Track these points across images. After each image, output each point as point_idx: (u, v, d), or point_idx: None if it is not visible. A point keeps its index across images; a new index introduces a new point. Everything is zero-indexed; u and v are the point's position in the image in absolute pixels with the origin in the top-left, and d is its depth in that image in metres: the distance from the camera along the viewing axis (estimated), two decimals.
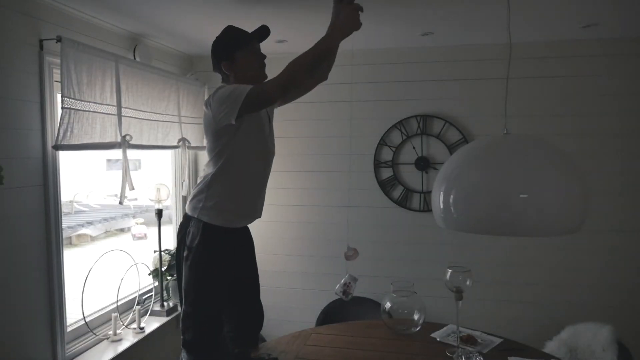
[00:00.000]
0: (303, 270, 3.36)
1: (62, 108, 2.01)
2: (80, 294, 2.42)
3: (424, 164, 3.15)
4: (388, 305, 2.12)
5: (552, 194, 1.36)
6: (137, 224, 8.44)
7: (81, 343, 2.37)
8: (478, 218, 1.41)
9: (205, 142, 1.96)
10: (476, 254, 3.06)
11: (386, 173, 3.22)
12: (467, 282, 1.76)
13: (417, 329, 2.09)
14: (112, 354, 2.37)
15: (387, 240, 3.22)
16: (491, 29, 2.67)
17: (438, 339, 2.03)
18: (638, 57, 2.88)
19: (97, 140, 2.20)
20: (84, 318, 2.40)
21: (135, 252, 3.08)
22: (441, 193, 1.49)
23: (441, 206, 1.49)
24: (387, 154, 3.21)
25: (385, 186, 3.22)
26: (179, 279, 1.99)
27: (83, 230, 8.31)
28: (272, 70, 1.96)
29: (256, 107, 1.77)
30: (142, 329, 2.64)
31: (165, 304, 2.93)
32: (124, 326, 2.61)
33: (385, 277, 3.07)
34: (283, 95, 1.73)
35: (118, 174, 2.41)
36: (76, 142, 2.06)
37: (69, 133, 2.01)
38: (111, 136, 2.31)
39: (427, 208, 3.15)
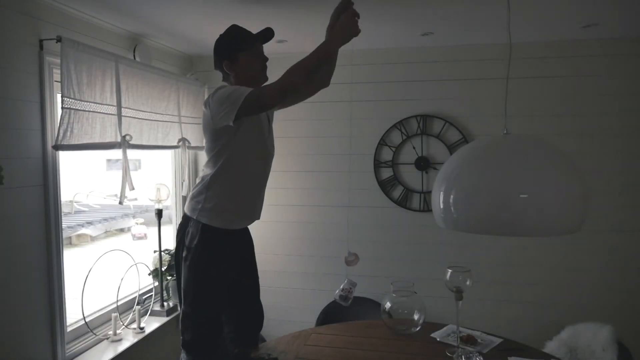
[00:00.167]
0: (303, 270, 3.37)
1: (62, 108, 2.00)
2: (80, 294, 2.42)
3: (424, 164, 3.15)
4: (388, 305, 2.12)
5: (552, 194, 1.36)
6: (137, 224, 8.44)
7: (81, 343, 2.37)
8: (478, 218, 1.41)
9: (204, 142, 1.96)
10: (476, 254, 3.06)
11: (386, 173, 3.22)
12: (467, 282, 1.76)
13: (417, 329, 2.09)
14: (112, 354, 2.37)
15: (387, 240, 3.23)
16: (491, 29, 2.67)
17: (438, 339, 2.03)
18: (638, 57, 2.88)
19: (97, 140, 2.20)
20: (84, 318, 2.40)
21: (135, 252, 3.08)
22: (441, 193, 1.49)
23: (441, 206, 1.49)
24: (387, 154, 3.21)
25: (385, 186, 3.22)
26: (178, 279, 1.99)
27: (83, 230, 8.31)
28: (272, 71, 1.97)
29: (254, 110, 1.77)
30: (142, 329, 2.64)
31: (165, 304, 2.93)
32: (124, 326, 2.61)
33: (385, 277, 3.07)
34: (281, 100, 1.73)
35: (118, 174, 2.41)
36: (76, 142, 2.06)
37: (69, 133, 2.01)
38: (111, 136, 2.31)
39: (427, 208, 3.15)
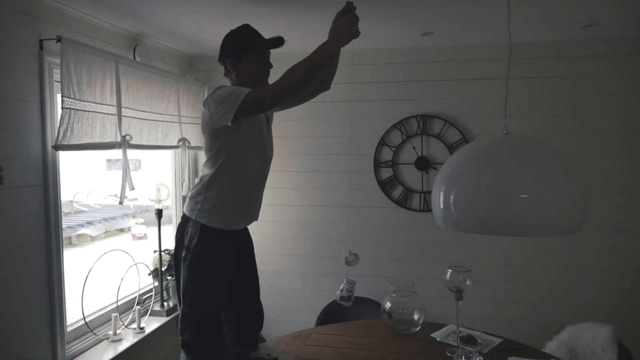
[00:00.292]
0: (303, 270, 3.37)
1: (62, 108, 2.01)
2: (80, 294, 2.42)
3: (424, 164, 3.15)
4: (388, 305, 2.12)
5: (552, 194, 1.36)
6: (137, 224, 8.43)
7: (81, 343, 2.37)
8: (478, 218, 1.41)
9: (203, 142, 1.96)
10: (476, 254, 3.06)
11: (386, 173, 3.22)
12: (467, 282, 1.76)
13: (417, 329, 2.09)
14: (112, 354, 2.37)
15: (387, 240, 3.23)
16: (491, 29, 2.67)
17: (438, 339, 2.03)
18: (638, 57, 2.88)
19: (97, 140, 2.20)
20: (84, 318, 2.40)
21: (135, 252, 3.08)
22: (441, 193, 1.49)
23: (441, 206, 1.49)
24: (387, 154, 3.21)
25: (385, 186, 3.22)
26: (177, 279, 1.99)
27: (83, 230, 8.30)
28: (272, 71, 1.96)
29: (253, 111, 1.76)
30: (142, 329, 2.64)
31: (165, 304, 2.93)
32: (124, 326, 2.61)
33: (385, 277, 3.07)
34: (279, 102, 1.73)
35: (118, 174, 2.41)
36: (76, 142, 2.06)
37: (69, 133, 2.01)
38: (111, 136, 2.31)
39: (427, 208, 3.15)
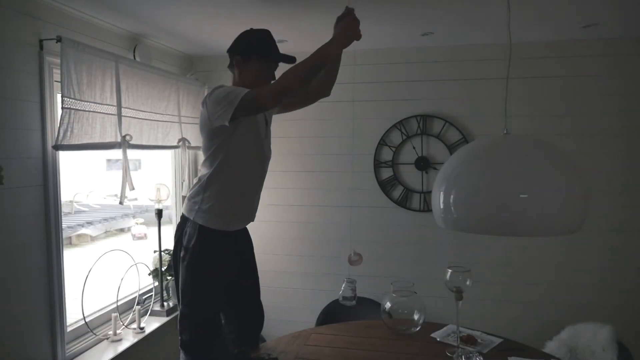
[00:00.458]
0: (303, 270, 3.36)
1: (62, 108, 2.00)
2: (80, 294, 2.42)
3: (424, 164, 3.15)
4: (388, 305, 2.12)
5: (552, 194, 1.36)
6: (137, 224, 8.43)
7: (81, 343, 2.37)
8: (478, 218, 1.41)
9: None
10: (476, 254, 3.06)
11: (386, 173, 3.22)
12: (467, 282, 1.76)
13: (417, 329, 2.09)
14: (112, 354, 2.37)
15: (387, 240, 3.22)
16: (491, 29, 2.67)
17: (438, 339, 2.03)
18: (638, 57, 2.88)
19: (97, 140, 2.20)
20: (84, 318, 2.40)
21: (135, 252, 3.08)
22: (441, 193, 1.49)
23: (441, 206, 1.49)
24: (387, 154, 3.21)
25: (385, 186, 3.22)
26: (176, 279, 1.99)
27: (83, 230, 8.30)
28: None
29: (250, 111, 1.76)
30: (142, 329, 2.64)
31: (165, 304, 2.93)
32: (124, 326, 2.61)
33: (385, 277, 3.07)
34: (277, 103, 1.73)
35: (118, 174, 2.41)
36: (76, 142, 2.06)
37: (69, 133, 2.01)
38: (111, 136, 2.31)
39: (427, 208, 3.15)
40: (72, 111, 2.03)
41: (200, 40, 2.92)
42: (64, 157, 2.21)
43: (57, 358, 2.16)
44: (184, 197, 3.22)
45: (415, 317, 2.10)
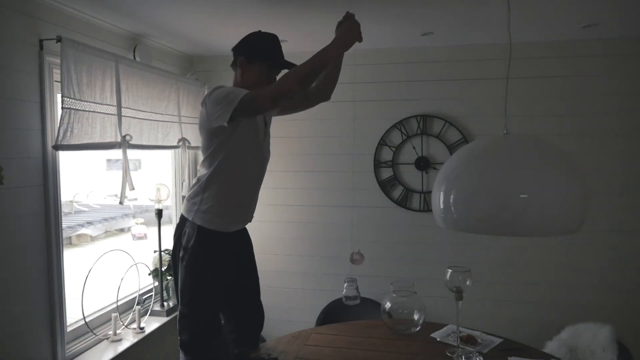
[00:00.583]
0: (303, 270, 3.36)
1: (62, 108, 2.00)
2: (80, 294, 2.42)
3: (424, 164, 3.15)
4: (388, 305, 2.12)
5: (552, 194, 1.36)
6: (137, 224, 8.43)
7: (81, 343, 2.37)
8: (478, 218, 1.41)
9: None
10: (476, 254, 3.06)
11: (386, 173, 3.22)
12: (467, 282, 1.76)
13: (417, 329, 2.09)
14: (112, 354, 2.37)
15: (387, 240, 3.22)
16: (491, 29, 2.67)
17: (438, 339, 2.03)
18: (638, 57, 2.88)
19: (97, 140, 2.20)
20: (84, 318, 2.40)
21: (135, 252, 3.08)
22: (441, 193, 1.49)
23: (441, 206, 1.49)
24: (387, 154, 3.21)
25: (385, 186, 3.22)
26: (175, 279, 1.99)
27: (83, 230, 8.30)
28: None
29: (249, 112, 1.76)
30: (142, 329, 2.64)
31: (165, 304, 2.93)
32: (124, 326, 2.61)
33: (385, 277, 3.07)
34: (274, 105, 1.74)
35: (118, 174, 2.41)
36: (76, 142, 2.06)
37: (69, 133, 2.01)
38: (111, 136, 2.31)
39: (427, 208, 3.15)
40: (72, 111, 2.03)
41: (200, 40, 2.92)
42: (64, 157, 2.21)
43: (57, 358, 2.16)
44: (183, 197, 3.21)
45: (415, 317, 2.10)
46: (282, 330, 2.46)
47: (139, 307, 2.70)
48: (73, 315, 2.39)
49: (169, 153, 3.29)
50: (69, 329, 2.29)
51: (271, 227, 3.36)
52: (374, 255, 3.19)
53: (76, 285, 2.60)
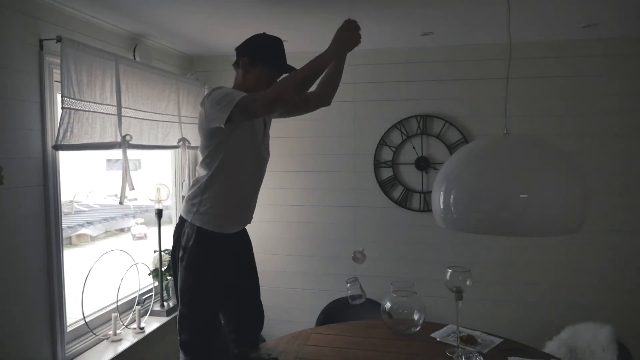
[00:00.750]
0: (303, 270, 3.36)
1: (62, 108, 2.00)
2: (80, 294, 2.42)
3: (424, 164, 3.15)
4: (388, 305, 2.12)
5: (552, 194, 1.36)
6: (137, 224, 8.43)
7: (81, 343, 2.36)
8: (478, 218, 1.41)
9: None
10: (476, 254, 3.06)
11: (386, 173, 3.22)
12: (467, 282, 1.76)
13: (417, 329, 2.09)
14: (112, 354, 2.37)
15: (387, 240, 3.22)
16: (491, 29, 2.67)
17: (438, 339, 2.03)
18: (638, 57, 2.88)
19: (97, 140, 2.20)
20: (84, 318, 2.40)
21: (135, 252, 3.08)
22: (441, 193, 1.49)
23: (441, 206, 1.49)
24: (387, 154, 3.21)
25: (385, 186, 3.22)
26: (175, 280, 1.99)
27: (83, 230, 8.30)
28: None
29: (244, 116, 1.75)
30: (142, 329, 2.64)
31: (165, 304, 2.93)
32: (124, 326, 2.61)
33: (385, 277, 3.07)
34: (271, 110, 1.74)
35: (118, 174, 2.41)
36: (76, 142, 2.06)
37: (69, 133, 2.01)
38: (111, 136, 2.31)
39: (427, 208, 3.15)
40: (72, 111, 2.03)
41: (200, 40, 2.92)
42: (64, 157, 2.21)
43: (57, 358, 2.16)
44: (183, 197, 3.21)
45: (415, 317, 2.10)
46: (282, 330, 2.46)
47: (139, 307, 2.70)
48: (73, 315, 2.39)
49: (168, 153, 3.29)
50: (69, 329, 2.29)
51: (271, 227, 3.36)
52: (374, 255, 3.18)
53: (76, 285, 2.60)
